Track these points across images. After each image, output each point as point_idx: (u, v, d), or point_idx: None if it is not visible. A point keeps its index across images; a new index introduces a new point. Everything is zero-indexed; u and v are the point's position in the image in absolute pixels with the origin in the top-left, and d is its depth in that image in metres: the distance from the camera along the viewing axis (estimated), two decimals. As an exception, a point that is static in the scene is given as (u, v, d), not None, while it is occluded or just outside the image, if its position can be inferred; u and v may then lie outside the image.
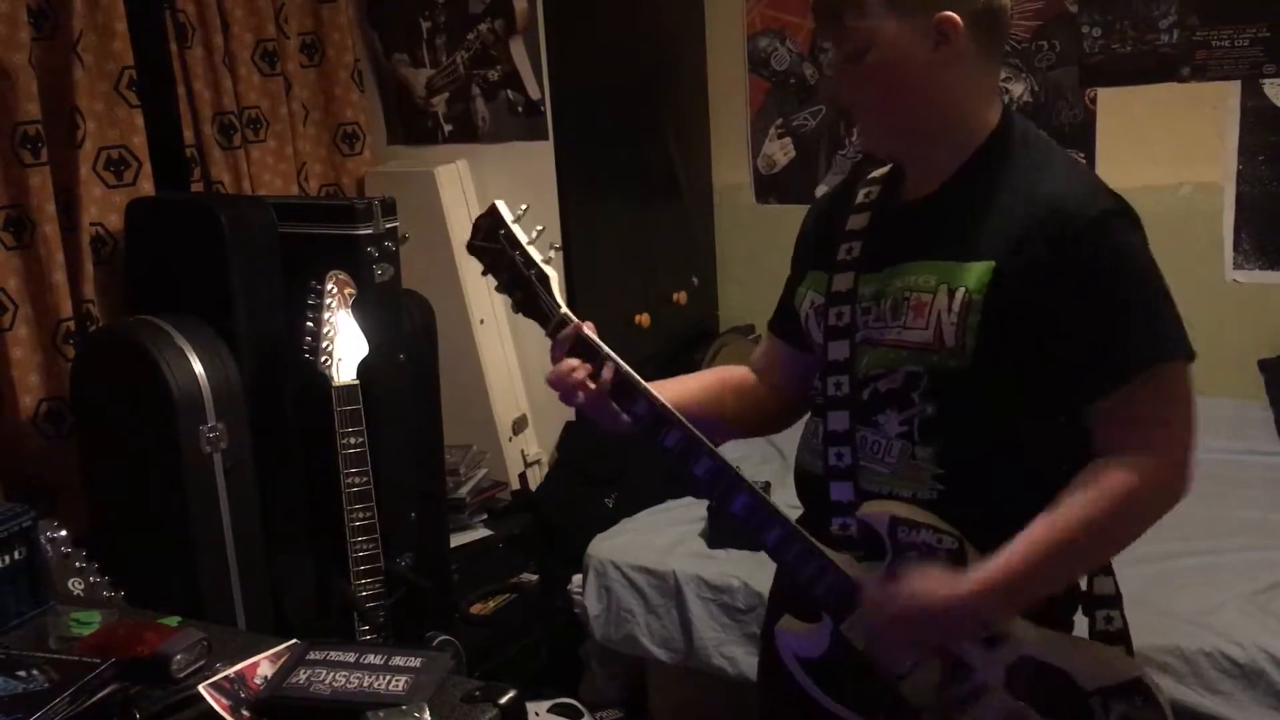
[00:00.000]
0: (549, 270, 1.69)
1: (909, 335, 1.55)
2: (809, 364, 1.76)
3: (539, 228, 1.71)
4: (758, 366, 1.89)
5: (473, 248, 1.72)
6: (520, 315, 1.72)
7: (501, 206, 1.70)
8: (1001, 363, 1.51)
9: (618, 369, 1.64)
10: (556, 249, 1.74)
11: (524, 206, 1.71)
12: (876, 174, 1.74)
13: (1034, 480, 1.53)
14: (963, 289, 1.51)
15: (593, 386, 1.63)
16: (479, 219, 1.71)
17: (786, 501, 1.80)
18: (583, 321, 1.69)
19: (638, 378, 1.64)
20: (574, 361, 1.65)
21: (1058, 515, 1.49)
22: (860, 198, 1.72)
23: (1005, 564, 1.49)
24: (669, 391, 1.71)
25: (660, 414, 1.63)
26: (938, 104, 1.56)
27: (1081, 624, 1.65)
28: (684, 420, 1.62)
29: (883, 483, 1.59)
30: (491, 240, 1.69)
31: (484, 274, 1.73)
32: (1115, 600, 1.64)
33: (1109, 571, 1.64)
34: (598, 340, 1.67)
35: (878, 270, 1.62)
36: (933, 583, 1.52)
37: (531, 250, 1.69)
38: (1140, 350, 1.49)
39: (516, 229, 1.69)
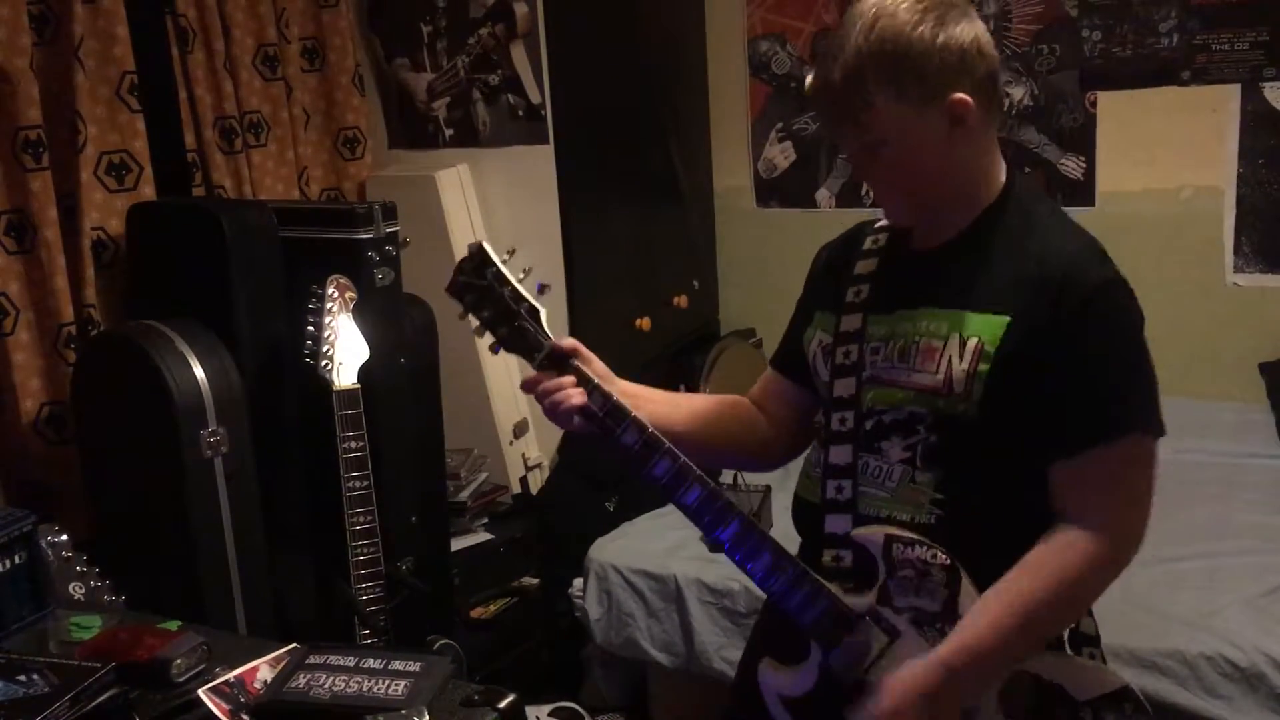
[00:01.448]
0: (539, 306, 1.70)
1: (917, 379, 1.59)
2: (809, 400, 1.81)
3: (526, 267, 1.72)
4: (759, 399, 1.90)
5: (455, 285, 1.70)
6: (501, 353, 1.72)
7: (487, 246, 1.70)
8: (1004, 412, 1.55)
9: (606, 398, 1.65)
10: (546, 288, 1.76)
11: (512, 249, 1.73)
12: (883, 223, 1.76)
13: (1030, 510, 1.57)
14: (975, 339, 1.55)
15: (578, 421, 1.65)
16: (462, 260, 1.71)
17: (784, 504, 1.81)
18: (586, 352, 1.70)
19: (627, 407, 1.65)
20: (569, 380, 1.66)
21: (1017, 593, 1.54)
22: (868, 244, 1.75)
23: (973, 643, 1.53)
24: (668, 406, 1.77)
25: (649, 442, 1.63)
26: (955, 178, 1.60)
27: None
28: (673, 448, 1.63)
29: (881, 506, 1.62)
30: (478, 277, 1.69)
31: (462, 316, 1.71)
32: (1096, 640, 1.69)
33: (1090, 613, 1.68)
34: (589, 374, 1.68)
35: (888, 312, 1.66)
36: (908, 675, 1.55)
37: (520, 288, 1.69)
38: (1118, 418, 1.54)
39: (504, 267, 1.69)
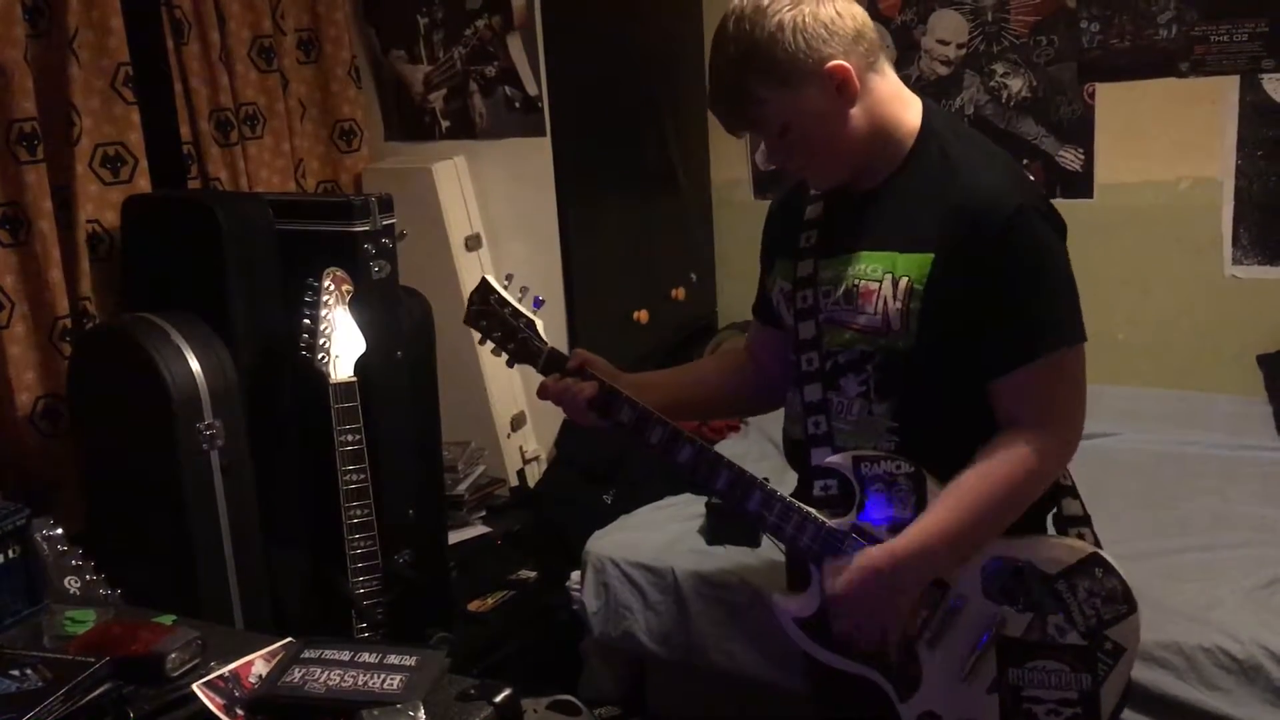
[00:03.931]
0: (535, 318, 1.95)
1: (860, 320, 1.74)
2: (788, 344, 1.92)
3: (523, 286, 1.98)
4: (749, 348, 2.10)
5: (469, 316, 1.96)
6: (516, 366, 1.98)
7: (489, 277, 1.97)
8: (941, 341, 1.69)
9: (601, 386, 1.87)
10: (541, 302, 1.98)
11: (509, 275, 1.99)
12: None
13: (978, 426, 1.73)
14: (905, 278, 1.69)
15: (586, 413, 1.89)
16: (471, 293, 1.97)
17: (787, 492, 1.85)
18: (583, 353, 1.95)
19: (618, 388, 1.88)
20: (571, 380, 1.89)
21: (968, 490, 1.70)
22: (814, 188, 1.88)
23: (923, 538, 1.70)
24: (670, 386, 2.01)
25: (642, 415, 1.85)
26: (862, 133, 1.71)
27: None
28: (664, 417, 1.84)
29: (847, 439, 1.79)
30: (484, 304, 1.95)
31: (480, 342, 1.97)
32: (1086, 520, 1.83)
33: (1076, 495, 1.83)
34: (595, 373, 1.90)
35: (834, 256, 1.79)
36: (868, 556, 1.72)
37: (519, 306, 1.95)
38: (1042, 336, 1.68)
39: (504, 292, 1.95)
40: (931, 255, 1.67)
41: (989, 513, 1.71)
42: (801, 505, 1.80)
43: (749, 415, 2.17)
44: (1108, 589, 1.73)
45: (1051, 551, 1.75)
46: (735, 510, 1.85)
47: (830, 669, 1.88)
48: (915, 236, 1.69)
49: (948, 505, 1.70)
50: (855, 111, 1.68)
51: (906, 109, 1.75)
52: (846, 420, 1.79)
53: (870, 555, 1.73)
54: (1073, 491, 1.84)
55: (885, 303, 1.70)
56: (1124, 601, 1.74)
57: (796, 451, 1.89)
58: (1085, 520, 1.83)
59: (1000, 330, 1.68)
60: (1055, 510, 1.83)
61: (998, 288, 1.66)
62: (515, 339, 1.94)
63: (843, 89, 1.66)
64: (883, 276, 1.71)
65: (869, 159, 1.74)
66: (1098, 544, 1.80)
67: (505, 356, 1.96)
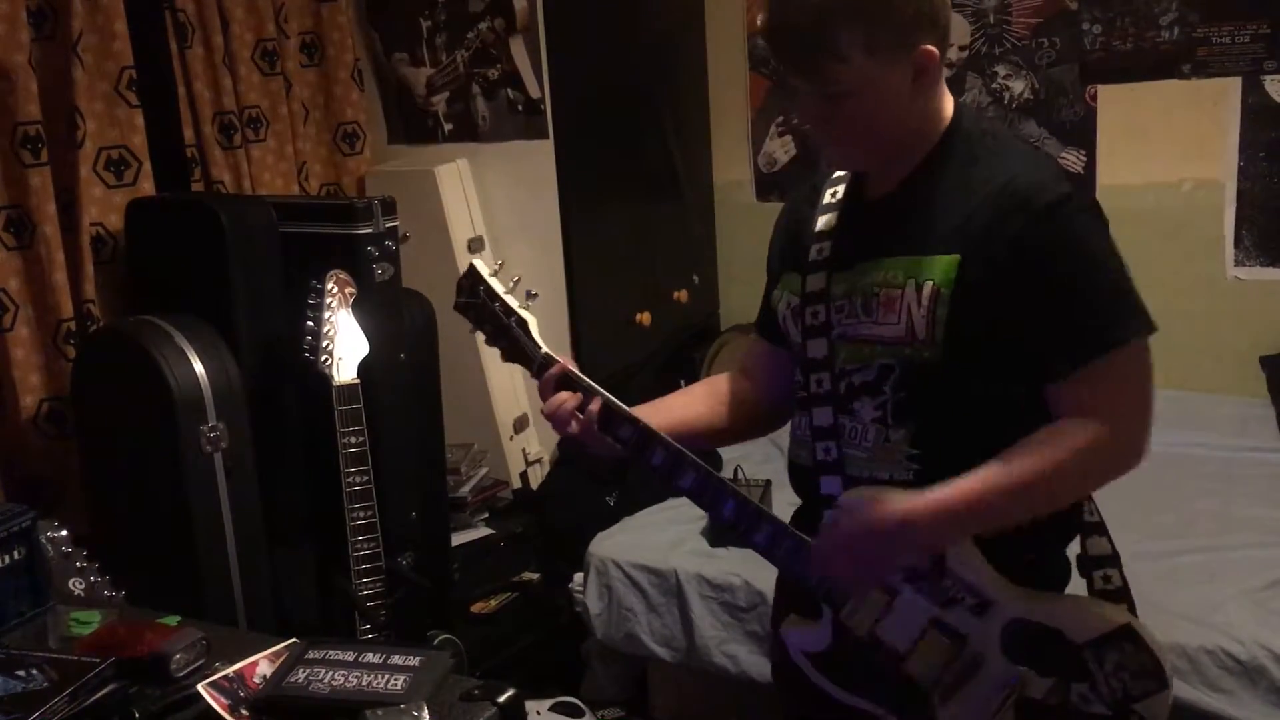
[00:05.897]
0: (527, 316, 1.78)
1: (882, 330, 1.59)
2: (793, 362, 1.79)
3: (515, 277, 1.81)
4: (747, 367, 1.93)
5: (458, 305, 1.82)
6: (509, 363, 1.83)
7: (478, 264, 1.80)
8: (970, 349, 1.55)
9: (603, 400, 1.72)
10: (533, 295, 1.82)
11: (499, 261, 1.84)
12: (839, 174, 1.76)
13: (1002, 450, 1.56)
14: (930, 282, 1.55)
15: (581, 417, 1.73)
16: (460, 279, 1.81)
17: (787, 500, 1.82)
18: (565, 359, 1.78)
19: (620, 404, 1.73)
20: (564, 394, 1.74)
21: (1014, 458, 1.52)
22: (826, 198, 1.75)
23: (955, 492, 1.52)
24: (661, 413, 1.80)
25: (645, 435, 1.71)
26: (911, 124, 1.59)
27: (1079, 585, 1.69)
28: (667, 438, 1.70)
29: (862, 466, 1.64)
30: (473, 296, 1.80)
31: (472, 331, 1.83)
32: (1113, 559, 1.69)
33: (1103, 532, 1.69)
34: (580, 375, 1.75)
35: (849, 268, 1.66)
36: (881, 502, 1.55)
37: (509, 299, 1.78)
38: (1102, 332, 1.52)
39: (494, 282, 1.79)
40: (957, 256, 1.54)
41: (1028, 491, 1.53)
42: (811, 541, 1.66)
43: (747, 440, 1.99)
44: (1138, 664, 1.58)
45: (1080, 617, 1.60)
46: (743, 541, 1.72)
47: (820, 705, 1.74)
48: (938, 237, 1.56)
49: (983, 475, 1.52)
50: (919, 102, 1.57)
51: (944, 105, 1.62)
52: (861, 447, 1.64)
53: (878, 518, 1.54)
54: (1100, 529, 1.70)
55: (909, 310, 1.56)
56: (1154, 677, 1.59)
57: (803, 477, 1.75)
58: (1113, 560, 1.69)
59: (1062, 325, 1.52)
60: (1081, 552, 1.69)
61: (1048, 283, 1.52)
62: (508, 337, 1.79)
63: (920, 77, 1.53)
64: (905, 282, 1.57)
65: (896, 154, 1.62)
66: (1125, 581, 1.69)
67: (499, 352, 1.82)
